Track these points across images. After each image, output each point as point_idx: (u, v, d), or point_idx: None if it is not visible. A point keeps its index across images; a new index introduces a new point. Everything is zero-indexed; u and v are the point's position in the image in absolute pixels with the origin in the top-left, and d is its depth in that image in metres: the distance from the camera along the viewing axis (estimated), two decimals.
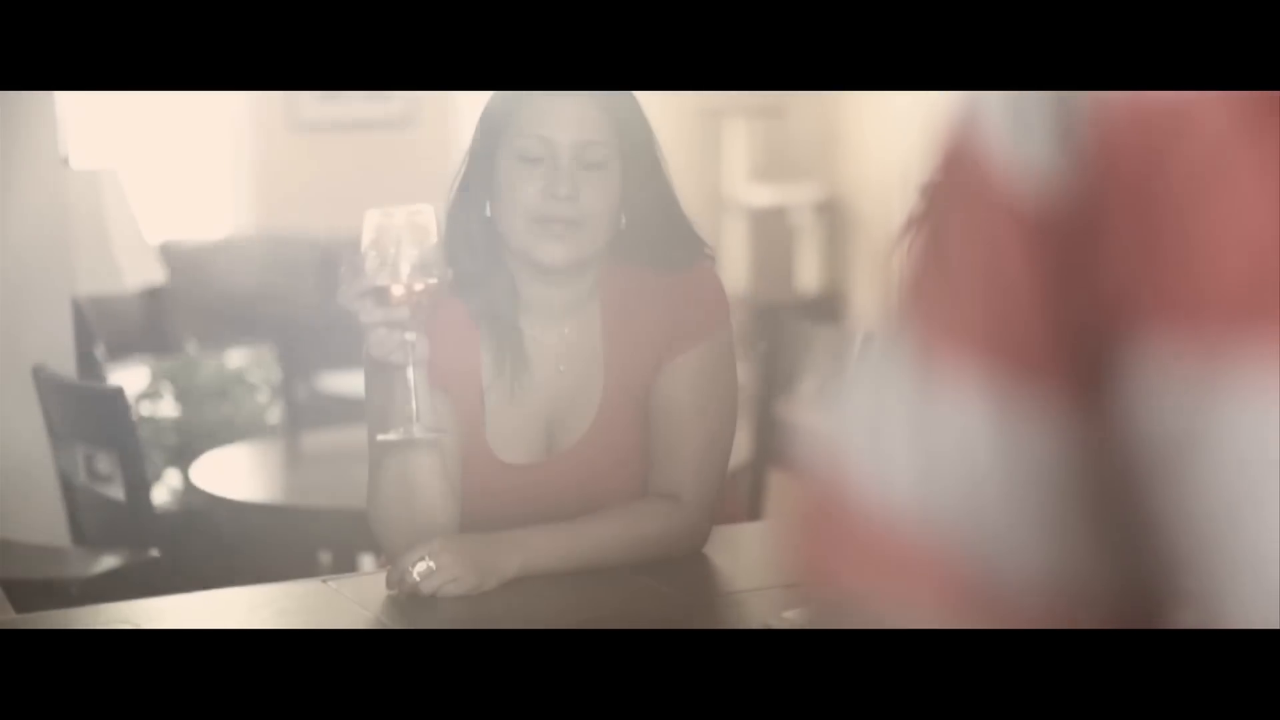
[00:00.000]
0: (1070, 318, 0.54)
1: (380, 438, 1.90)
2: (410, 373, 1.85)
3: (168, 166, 6.37)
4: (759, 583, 1.90)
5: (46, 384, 2.93)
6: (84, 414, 2.86)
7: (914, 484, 0.57)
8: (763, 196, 6.65)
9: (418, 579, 1.83)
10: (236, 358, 4.32)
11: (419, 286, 1.83)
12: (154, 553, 2.68)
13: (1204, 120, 0.50)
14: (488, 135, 1.99)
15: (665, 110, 2.34)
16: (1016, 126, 0.55)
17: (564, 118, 1.94)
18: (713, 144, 6.66)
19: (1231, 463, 0.50)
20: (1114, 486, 0.54)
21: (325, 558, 3.29)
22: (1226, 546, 0.50)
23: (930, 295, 0.58)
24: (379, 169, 6.45)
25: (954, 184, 0.58)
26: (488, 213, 1.98)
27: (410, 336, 1.84)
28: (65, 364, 3.30)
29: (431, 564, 1.83)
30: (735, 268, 6.50)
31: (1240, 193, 0.49)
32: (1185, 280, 0.50)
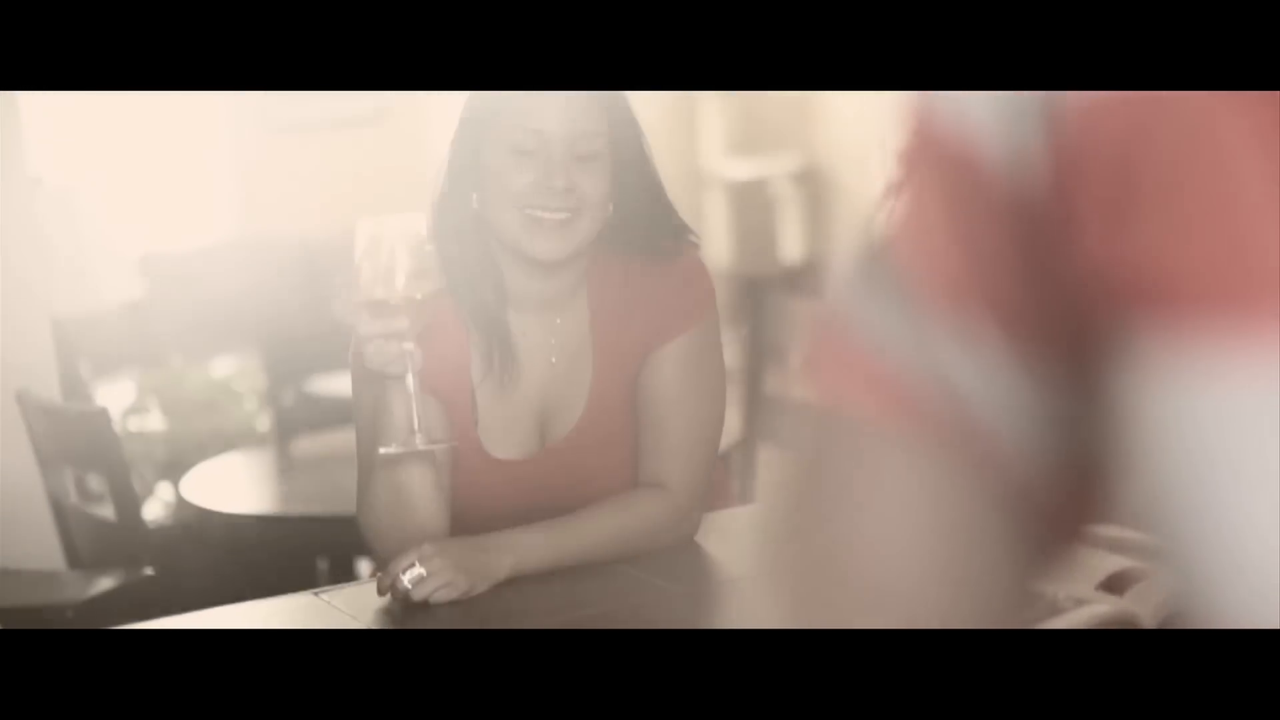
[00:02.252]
0: (1054, 297, 0.54)
1: (383, 451, 1.88)
2: (410, 383, 1.84)
3: (141, 178, 6.35)
4: (753, 569, 1.89)
5: (31, 408, 2.92)
6: (70, 436, 2.85)
7: (907, 335, 0.59)
8: (741, 169, 6.64)
9: (409, 585, 1.81)
10: (221, 366, 4.31)
11: (415, 296, 1.82)
12: (148, 571, 2.68)
13: (1185, 101, 0.49)
14: (474, 127, 1.97)
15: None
16: (985, 101, 0.54)
17: (556, 110, 1.92)
18: (688, 119, 6.64)
19: (1203, 448, 0.49)
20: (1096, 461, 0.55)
21: (322, 565, 3.27)
22: (1200, 536, 0.50)
23: (908, 259, 0.58)
24: (355, 166, 6.43)
25: (925, 150, 0.57)
26: (474, 205, 1.96)
27: (409, 346, 1.83)
28: (49, 385, 3.28)
29: (422, 570, 1.82)
30: (716, 242, 6.49)
31: (1220, 176, 0.49)
32: (1163, 264, 0.49)
